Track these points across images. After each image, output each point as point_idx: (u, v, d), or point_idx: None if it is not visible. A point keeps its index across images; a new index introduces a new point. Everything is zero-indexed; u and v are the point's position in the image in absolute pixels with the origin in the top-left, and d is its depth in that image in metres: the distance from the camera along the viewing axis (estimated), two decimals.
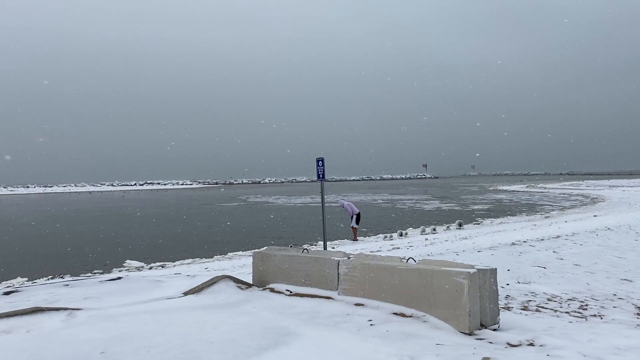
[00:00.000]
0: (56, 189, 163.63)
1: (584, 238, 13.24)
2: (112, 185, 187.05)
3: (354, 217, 19.87)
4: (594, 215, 24.13)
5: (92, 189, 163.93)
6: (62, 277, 13.07)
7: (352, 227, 19.93)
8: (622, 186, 64.10)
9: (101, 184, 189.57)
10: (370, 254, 6.95)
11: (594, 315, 5.90)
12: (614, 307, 6.35)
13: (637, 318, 5.82)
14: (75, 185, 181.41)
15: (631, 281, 7.93)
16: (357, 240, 19.36)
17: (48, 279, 12.90)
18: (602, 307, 6.33)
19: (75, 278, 11.57)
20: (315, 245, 17.75)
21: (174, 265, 14.88)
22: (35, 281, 12.54)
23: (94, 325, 4.97)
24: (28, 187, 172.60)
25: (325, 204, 13.13)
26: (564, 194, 56.13)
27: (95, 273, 14.02)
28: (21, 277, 13.53)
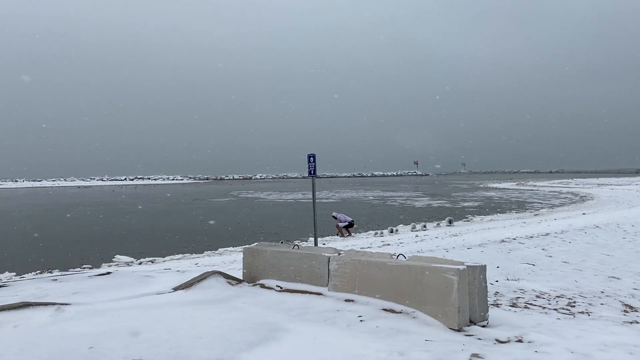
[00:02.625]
0: (45, 183, 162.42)
1: (572, 236, 13.35)
2: (101, 180, 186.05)
3: (346, 222, 20.08)
4: (583, 214, 24.33)
5: (81, 183, 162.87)
6: (50, 272, 12.97)
7: (337, 225, 20.07)
8: (611, 185, 64.70)
9: (91, 179, 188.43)
10: (361, 250, 6.96)
11: (582, 312, 5.95)
12: (601, 304, 6.40)
13: (624, 315, 5.88)
14: (65, 180, 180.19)
15: (618, 279, 8.01)
16: (345, 236, 19.45)
17: (36, 274, 12.80)
18: (590, 304, 6.39)
19: (64, 273, 11.49)
20: (306, 241, 17.75)
21: (164, 261, 14.83)
22: (23, 276, 12.43)
23: (82, 321, 4.94)
24: (16, 181, 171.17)
25: (317, 201, 13.13)
26: (554, 192, 56.56)
27: (84, 268, 13.92)
28: (9, 272, 13.41)
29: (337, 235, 19.86)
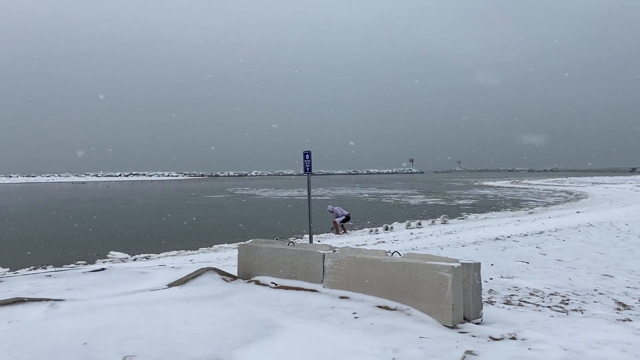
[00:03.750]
0: (39, 178, 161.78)
1: (566, 234, 13.40)
2: (96, 175, 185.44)
3: (342, 217, 19.97)
4: (577, 212, 24.44)
5: (76, 179, 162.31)
6: (44, 268, 12.91)
7: (334, 221, 19.98)
8: (605, 183, 64.95)
9: (85, 175, 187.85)
10: (356, 247, 6.97)
11: (575, 310, 5.98)
12: (594, 302, 6.44)
13: (617, 313, 5.91)
14: (59, 176, 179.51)
15: (612, 277, 8.05)
16: (340, 233, 19.42)
17: (30, 270, 12.74)
18: (583, 302, 6.42)
19: (58, 269, 11.45)
20: (301, 238, 17.76)
21: (159, 257, 14.80)
22: (17, 271, 12.38)
23: (76, 317, 4.93)
24: (10, 176, 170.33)
25: (312, 198, 13.13)
26: (548, 190, 56.76)
27: (78, 264, 13.88)
28: (3, 268, 13.36)
29: (332, 231, 19.83)
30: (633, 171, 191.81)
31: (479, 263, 5.56)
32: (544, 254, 10.11)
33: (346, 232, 19.79)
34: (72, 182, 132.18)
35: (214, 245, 16.95)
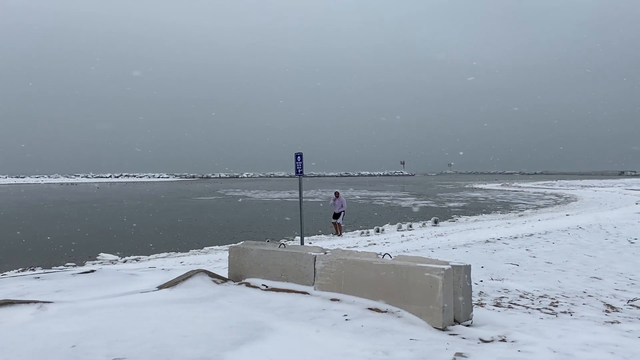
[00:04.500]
0: (28, 179, 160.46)
1: (556, 237, 13.49)
2: (86, 177, 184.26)
3: (342, 210, 19.89)
4: (567, 215, 24.61)
5: (65, 180, 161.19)
6: (33, 270, 12.80)
7: (339, 223, 19.96)
8: (594, 186, 65.57)
9: (75, 176, 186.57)
10: (347, 249, 6.96)
11: (564, 312, 6.02)
12: (583, 304, 6.48)
13: (606, 315, 5.96)
14: (49, 177, 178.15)
15: (600, 279, 8.11)
16: (340, 235, 19.44)
17: (18, 272, 12.63)
18: (572, 304, 6.46)
19: (46, 271, 11.35)
20: (293, 240, 17.74)
21: (149, 259, 14.72)
22: (4, 273, 12.26)
23: (65, 319, 4.88)
24: None
25: (303, 199, 13.11)
26: (538, 193, 57.18)
27: (67, 266, 13.77)
28: None
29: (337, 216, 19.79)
30: (622, 174, 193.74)
31: (469, 265, 5.58)
32: (534, 257, 10.17)
33: (340, 235, 19.79)
34: (62, 183, 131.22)
35: (205, 247, 16.90)
